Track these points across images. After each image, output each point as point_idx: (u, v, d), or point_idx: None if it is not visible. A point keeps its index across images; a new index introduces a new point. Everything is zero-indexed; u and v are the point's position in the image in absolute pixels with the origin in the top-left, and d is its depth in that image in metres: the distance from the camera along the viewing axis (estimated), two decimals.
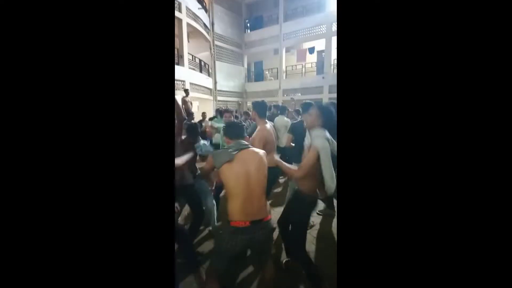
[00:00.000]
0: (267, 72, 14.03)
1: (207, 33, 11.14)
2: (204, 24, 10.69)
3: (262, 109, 2.22)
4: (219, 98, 12.12)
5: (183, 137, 2.08)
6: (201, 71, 10.68)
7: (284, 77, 12.89)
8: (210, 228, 2.37)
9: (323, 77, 11.34)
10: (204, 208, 2.15)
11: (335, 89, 0.65)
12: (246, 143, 1.37)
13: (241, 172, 1.25)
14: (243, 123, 1.68)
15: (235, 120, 1.73)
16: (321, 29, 11.31)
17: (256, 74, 14.69)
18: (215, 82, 11.91)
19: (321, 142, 1.39)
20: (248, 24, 14.00)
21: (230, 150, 1.29)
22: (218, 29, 12.04)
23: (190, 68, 9.56)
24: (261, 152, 1.36)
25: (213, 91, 11.81)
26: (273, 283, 1.43)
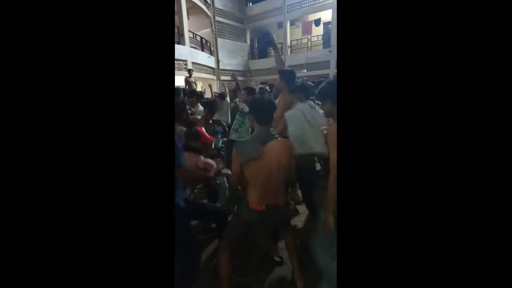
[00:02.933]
0: (271, 48, 13.45)
1: (207, 8, 10.62)
2: None
3: (290, 79, 1.94)
4: (222, 77, 11.82)
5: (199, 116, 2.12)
6: (202, 50, 10.33)
7: (289, 53, 12.40)
8: (220, 204, 2.39)
9: (330, 51, 10.84)
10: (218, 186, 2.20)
11: None
12: (273, 132, 1.32)
13: (264, 166, 1.24)
14: (272, 99, 1.36)
15: (264, 94, 1.55)
16: None
17: (260, 50, 14.18)
18: (218, 61, 11.55)
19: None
20: None
21: (256, 142, 1.24)
22: (218, 3, 11.46)
23: (191, 46, 9.24)
24: (288, 142, 1.34)
25: (216, 70, 11.50)
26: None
